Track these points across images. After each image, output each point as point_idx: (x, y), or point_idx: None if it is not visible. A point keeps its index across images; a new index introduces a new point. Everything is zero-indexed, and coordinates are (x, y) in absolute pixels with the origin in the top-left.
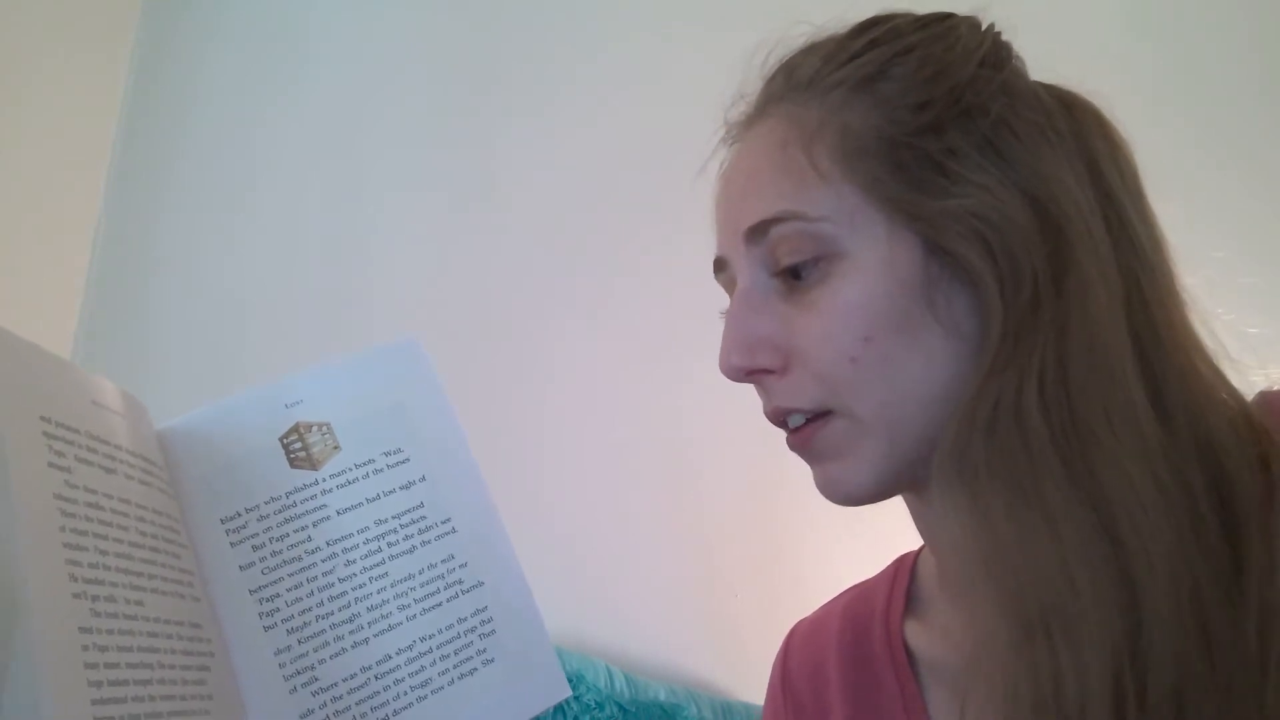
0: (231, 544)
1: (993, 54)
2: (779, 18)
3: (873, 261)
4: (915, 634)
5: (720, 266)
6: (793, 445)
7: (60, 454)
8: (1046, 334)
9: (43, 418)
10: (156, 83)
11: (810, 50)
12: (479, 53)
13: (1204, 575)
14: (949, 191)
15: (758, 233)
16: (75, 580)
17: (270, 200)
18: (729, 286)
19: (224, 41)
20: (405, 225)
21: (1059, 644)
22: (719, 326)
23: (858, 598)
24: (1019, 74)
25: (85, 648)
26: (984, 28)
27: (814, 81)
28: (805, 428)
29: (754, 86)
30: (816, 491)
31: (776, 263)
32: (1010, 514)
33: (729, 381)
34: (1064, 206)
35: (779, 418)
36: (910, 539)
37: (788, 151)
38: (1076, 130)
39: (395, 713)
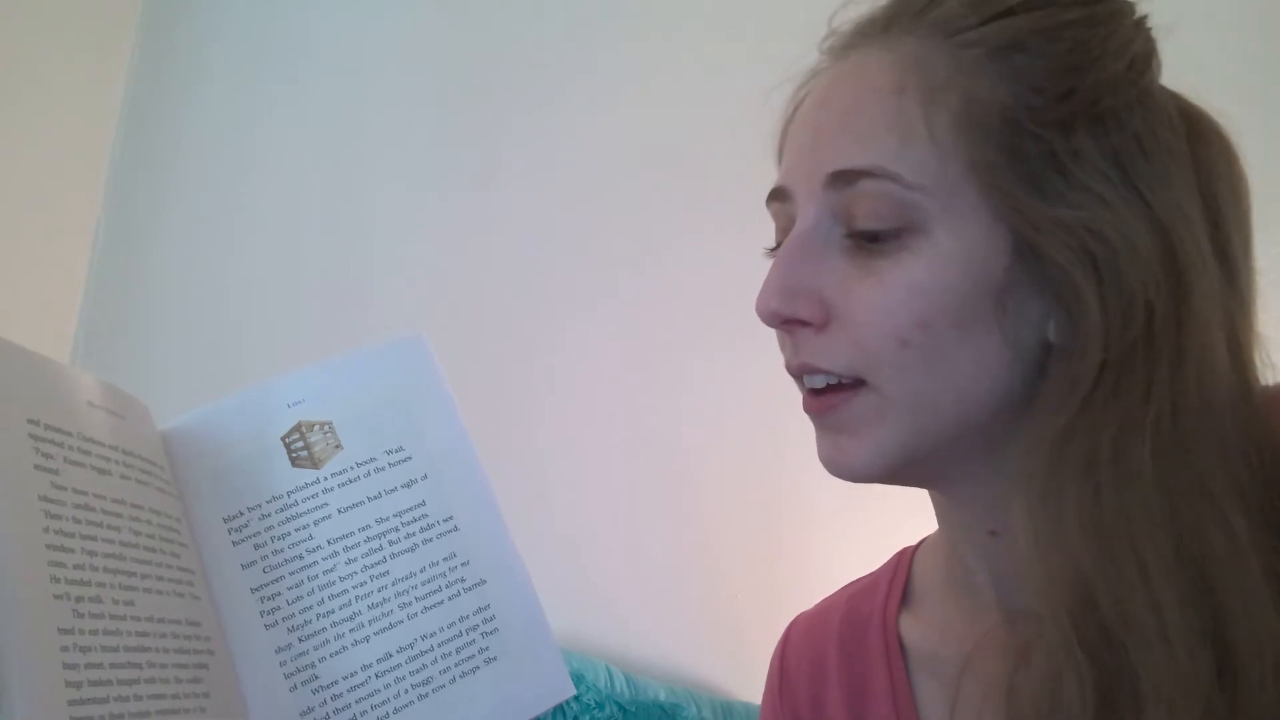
0: (234, 543)
1: (1143, 53)
2: (781, 17)
3: (955, 248)
4: (909, 627)
5: (780, 196)
6: (810, 408)
7: (48, 456)
8: (1163, 375)
9: (30, 420)
10: (156, 83)
11: None
12: (479, 51)
13: None
14: (1064, 197)
15: (842, 179)
16: (57, 581)
17: (271, 199)
18: (783, 219)
19: (224, 41)
20: (406, 225)
21: (1147, 701)
22: (721, 327)
23: (860, 592)
24: (1156, 81)
25: (65, 648)
26: (1138, 18)
27: (952, 29)
28: (831, 396)
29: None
30: (817, 491)
31: (851, 219)
32: (1099, 561)
33: (730, 381)
34: (1185, 239)
35: (802, 373)
36: (911, 535)
37: (904, 98)
38: (1201, 156)
39: (395, 711)
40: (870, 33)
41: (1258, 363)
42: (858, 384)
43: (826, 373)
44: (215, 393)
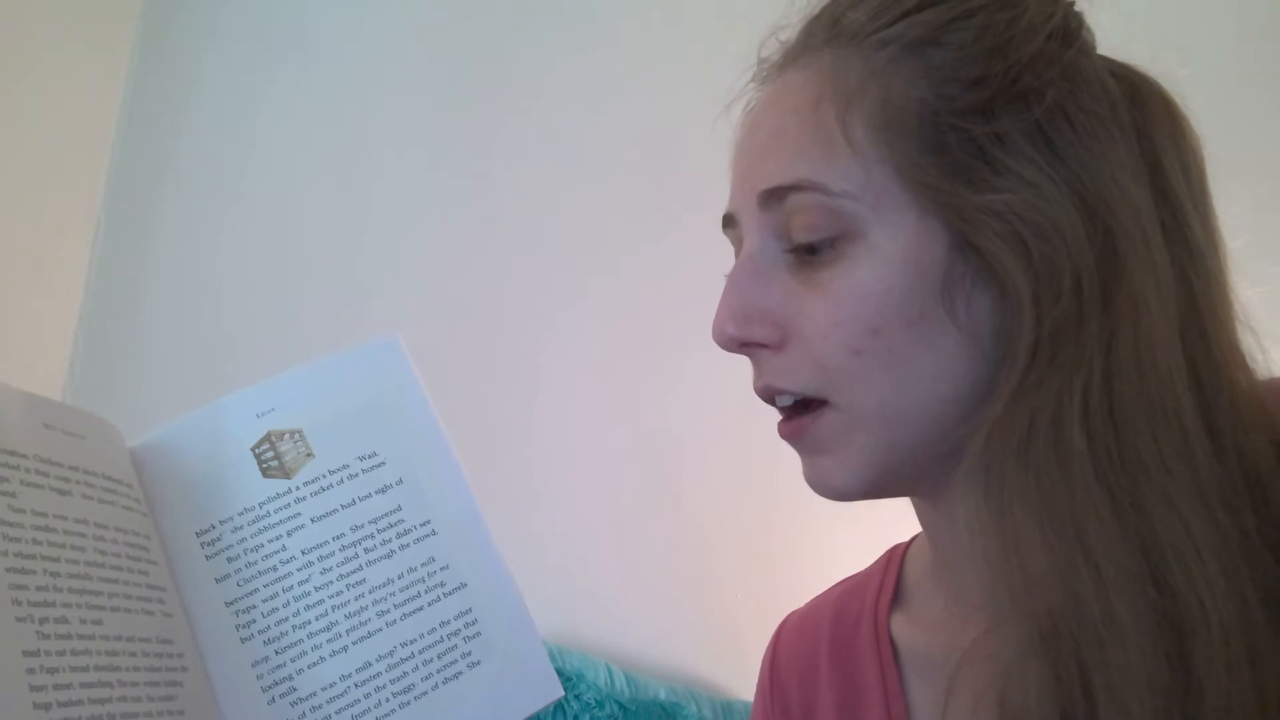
0: (206, 557)
1: (1062, 27)
2: (778, 9)
3: (892, 249)
4: (900, 626)
5: (729, 223)
6: (783, 434)
7: (3, 480)
8: (1092, 351)
9: None
10: (156, 81)
11: None
12: (475, 49)
13: (1261, 631)
14: (990, 184)
15: (774, 198)
16: (19, 604)
17: (271, 199)
18: (736, 244)
19: (222, 40)
20: (405, 225)
21: (1100, 697)
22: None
23: (850, 590)
24: (1086, 53)
25: (31, 670)
26: None
27: (860, 35)
28: (797, 419)
29: (792, 22)
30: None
31: (789, 236)
32: (1047, 548)
33: (726, 379)
34: (1117, 211)
35: (768, 395)
36: (907, 533)
37: (820, 111)
38: (1140, 121)
39: None
40: (790, 56)
41: (1246, 342)
42: (823, 403)
43: (790, 393)
44: (217, 392)
